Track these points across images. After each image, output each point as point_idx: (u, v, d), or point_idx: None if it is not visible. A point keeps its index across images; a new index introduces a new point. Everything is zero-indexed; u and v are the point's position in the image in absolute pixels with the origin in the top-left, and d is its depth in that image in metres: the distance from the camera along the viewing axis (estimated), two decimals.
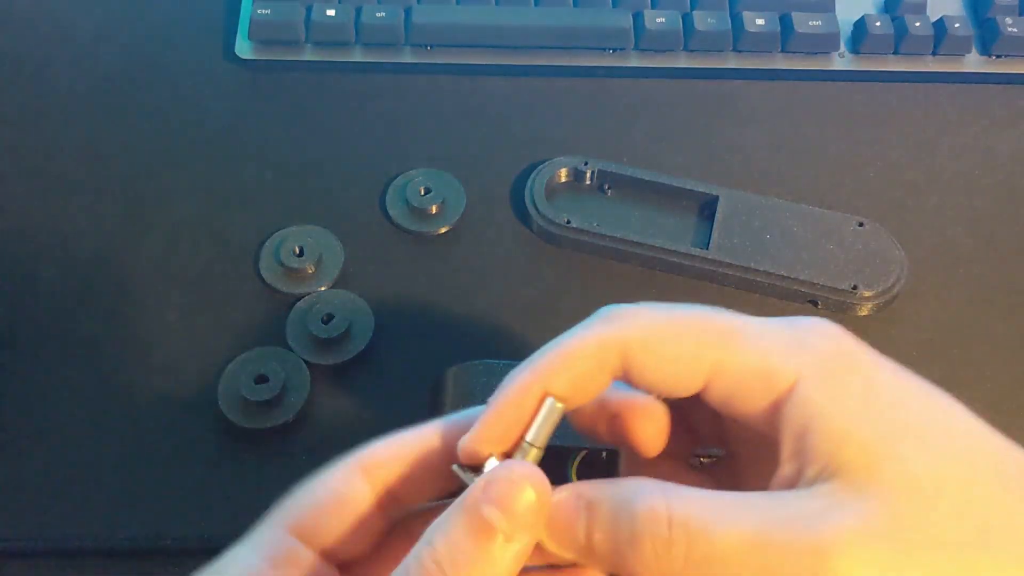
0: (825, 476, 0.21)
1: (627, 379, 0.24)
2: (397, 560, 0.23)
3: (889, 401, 0.22)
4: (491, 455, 0.24)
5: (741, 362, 0.23)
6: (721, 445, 0.28)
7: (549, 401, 0.24)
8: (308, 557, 0.24)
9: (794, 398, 0.22)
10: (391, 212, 0.46)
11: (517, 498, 0.22)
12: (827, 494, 0.21)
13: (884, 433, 0.21)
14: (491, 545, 0.22)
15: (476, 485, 0.22)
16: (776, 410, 0.23)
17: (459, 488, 0.23)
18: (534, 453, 0.24)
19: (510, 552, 0.22)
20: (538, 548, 0.23)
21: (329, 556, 0.24)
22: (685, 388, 0.24)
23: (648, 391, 0.24)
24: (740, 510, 0.21)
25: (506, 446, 0.24)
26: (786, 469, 0.23)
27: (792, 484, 0.22)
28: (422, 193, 0.45)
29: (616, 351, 0.23)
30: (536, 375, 0.24)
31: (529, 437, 0.24)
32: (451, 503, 0.23)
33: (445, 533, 0.22)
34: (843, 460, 0.21)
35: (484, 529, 0.22)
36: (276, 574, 0.23)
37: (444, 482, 0.25)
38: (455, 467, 0.24)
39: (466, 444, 0.24)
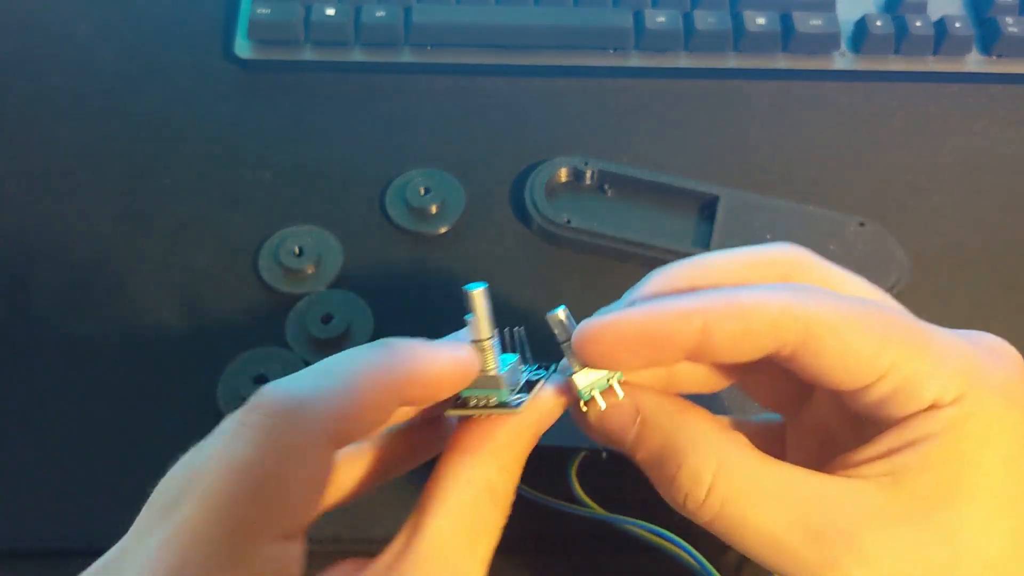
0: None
1: (791, 358, 0.23)
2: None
3: None
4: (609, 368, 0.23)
5: (915, 369, 0.22)
6: (782, 412, 0.28)
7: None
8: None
9: (950, 423, 0.22)
10: (391, 212, 0.46)
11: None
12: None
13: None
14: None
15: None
16: (916, 418, 0.23)
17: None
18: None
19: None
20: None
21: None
22: (855, 380, 0.23)
23: (813, 377, 0.23)
24: (780, 502, 0.22)
25: (635, 360, 0.23)
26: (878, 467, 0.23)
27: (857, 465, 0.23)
28: (422, 193, 0.45)
29: (799, 325, 0.22)
30: (701, 308, 0.23)
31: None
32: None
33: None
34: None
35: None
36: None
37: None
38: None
39: (593, 332, 0.23)
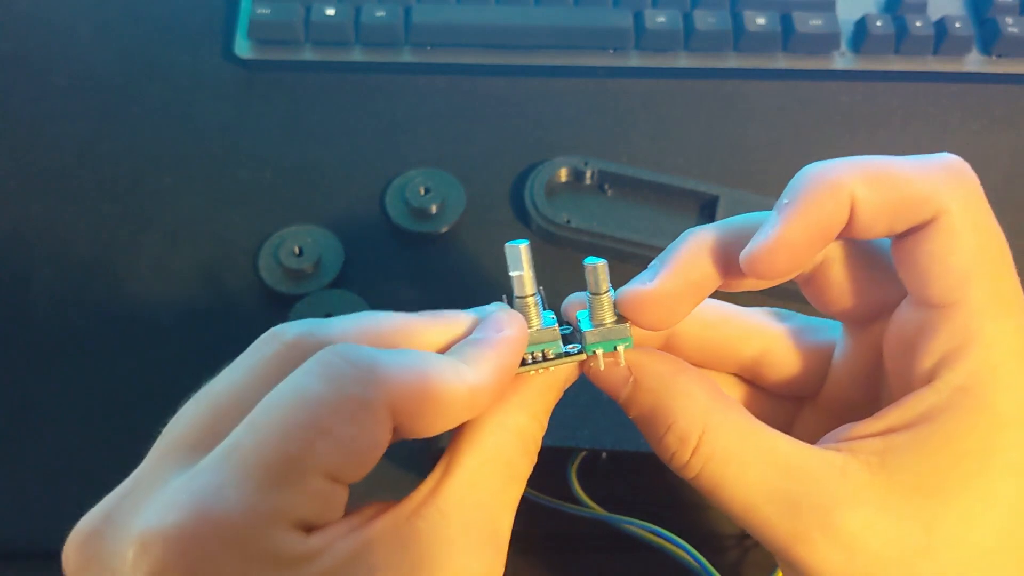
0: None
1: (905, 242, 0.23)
2: None
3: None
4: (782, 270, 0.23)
5: (975, 326, 0.22)
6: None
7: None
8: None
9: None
10: (391, 212, 0.46)
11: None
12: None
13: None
14: None
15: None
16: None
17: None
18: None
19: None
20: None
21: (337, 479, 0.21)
22: (943, 290, 0.22)
23: (912, 268, 0.23)
24: (760, 468, 0.23)
25: (807, 256, 0.23)
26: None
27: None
28: (422, 193, 0.45)
29: (935, 207, 0.22)
30: (851, 175, 0.22)
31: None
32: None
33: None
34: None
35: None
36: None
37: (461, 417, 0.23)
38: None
39: (763, 250, 0.22)
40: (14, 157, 0.47)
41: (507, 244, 0.24)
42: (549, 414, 0.25)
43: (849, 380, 0.26)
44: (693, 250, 0.24)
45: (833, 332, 0.27)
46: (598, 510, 0.35)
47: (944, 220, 0.22)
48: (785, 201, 0.23)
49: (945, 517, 0.21)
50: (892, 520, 0.22)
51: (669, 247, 0.25)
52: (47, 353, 0.41)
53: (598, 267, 0.24)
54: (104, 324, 0.42)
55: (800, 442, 0.23)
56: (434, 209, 0.45)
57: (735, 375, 0.28)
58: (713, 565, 0.33)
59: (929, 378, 0.22)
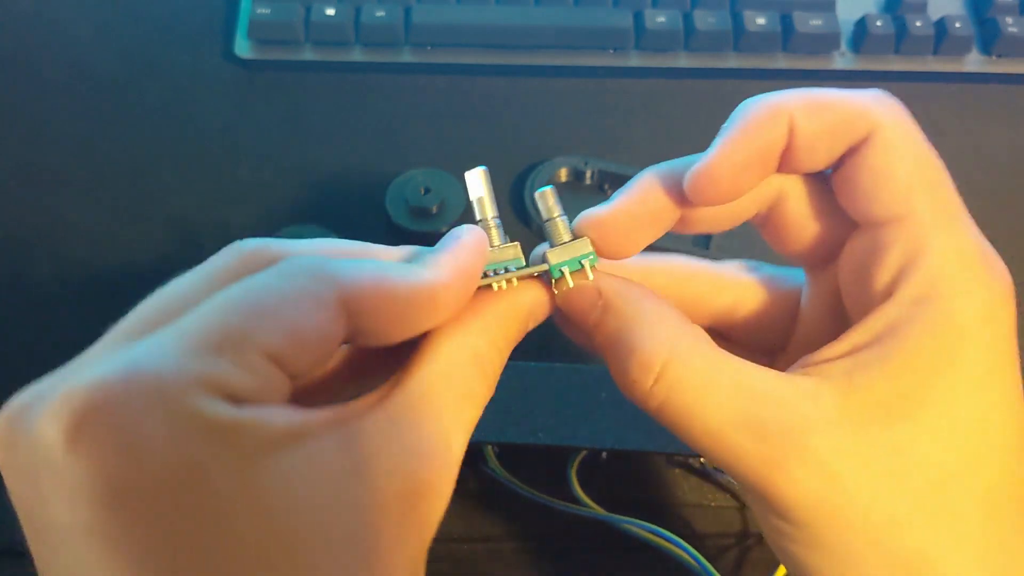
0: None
1: (845, 168, 0.23)
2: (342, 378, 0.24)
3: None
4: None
5: (924, 242, 0.23)
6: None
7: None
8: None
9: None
10: (391, 212, 0.46)
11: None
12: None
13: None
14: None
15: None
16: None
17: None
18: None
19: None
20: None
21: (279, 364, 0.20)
22: (885, 208, 0.23)
23: (853, 194, 0.24)
24: (727, 395, 0.22)
25: (747, 180, 0.23)
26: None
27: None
28: (422, 193, 0.45)
29: (869, 125, 0.23)
30: (788, 104, 0.23)
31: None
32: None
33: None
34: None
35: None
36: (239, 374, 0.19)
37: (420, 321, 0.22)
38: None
39: (704, 169, 0.23)
40: (14, 157, 0.47)
41: (467, 172, 0.25)
42: (511, 345, 0.24)
43: (815, 325, 0.26)
44: (648, 179, 0.25)
45: (800, 279, 0.27)
46: (598, 510, 0.35)
47: (880, 135, 0.22)
48: (727, 124, 0.23)
49: (914, 438, 0.21)
50: (864, 443, 0.21)
51: (627, 182, 0.25)
52: (47, 353, 0.41)
53: (546, 192, 0.25)
54: (104, 324, 0.42)
55: (768, 369, 0.23)
56: (434, 209, 0.45)
57: (710, 329, 0.28)
58: (713, 565, 0.33)
59: (888, 294, 0.22)
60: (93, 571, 0.17)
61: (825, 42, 0.51)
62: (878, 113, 0.23)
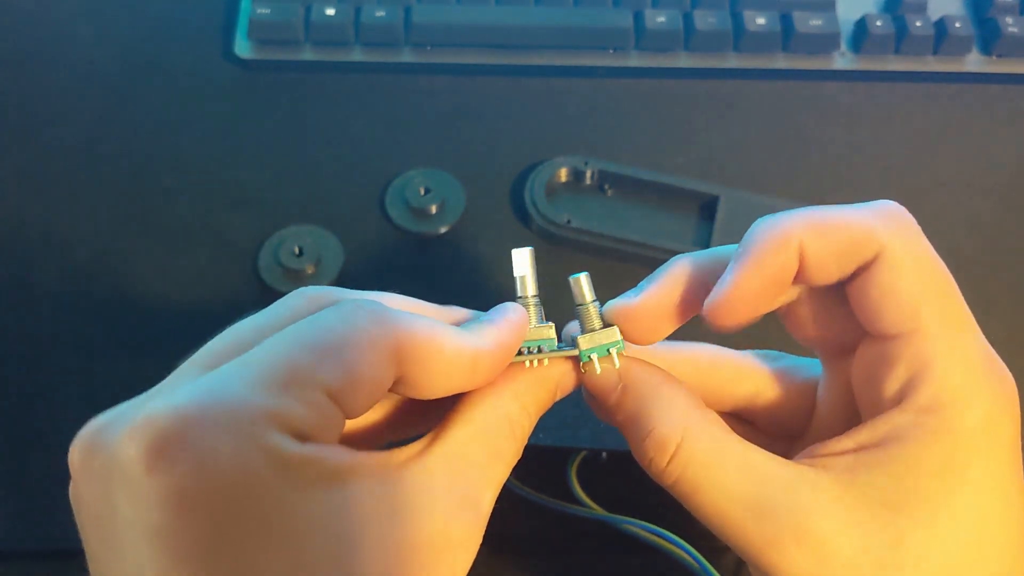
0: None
1: (854, 284, 0.24)
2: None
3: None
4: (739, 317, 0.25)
5: (935, 350, 0.23)
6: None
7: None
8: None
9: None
10: (391, 212, 0.46)
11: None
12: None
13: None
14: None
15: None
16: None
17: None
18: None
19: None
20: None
21: (337, 401, 0.22)
22: (894, 323, 0.24)
23: (864, 308, 0.24)
24: (734, 476, 0.24)
25: (763, 304, 0.25)
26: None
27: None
28: (422, 193, 0.45)
29: (876, 247, 0.24)
30: (798, 227, 0.24)
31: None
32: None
33: None
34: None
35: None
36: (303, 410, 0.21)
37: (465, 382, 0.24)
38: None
39: (721, 300, 0.24)
40: (14, 157, 0.47)
41: (514, 250, 0.26)
42: (539, 412, 0.26)
43: (830, 414, 0.27)
44: (675, 272, 0.26)
45: (817, 370, 0.28)
46: (598, 510, 0.35)
47: (886, 255, 0.23)
48: (740, 251, 0.25)
49: (912, 533, 0.22)
50: (861, 531, 0.22)
51: (657, 269, 0.26)
52: (47, 353, 0.41)
53: (581, 279, 0.26)
54: (104, 324, 0.42)
55: (774, 455, 0.24)
56: (434, 209, 0.45)
57: (733, 415, 0.29)
58: (713, 565, 0.33)
59: (896, 402, 0.24)
60: (156, 567, 0.19)
61: (825, 42, 0.51)
62: (885, 233, 0.24)
